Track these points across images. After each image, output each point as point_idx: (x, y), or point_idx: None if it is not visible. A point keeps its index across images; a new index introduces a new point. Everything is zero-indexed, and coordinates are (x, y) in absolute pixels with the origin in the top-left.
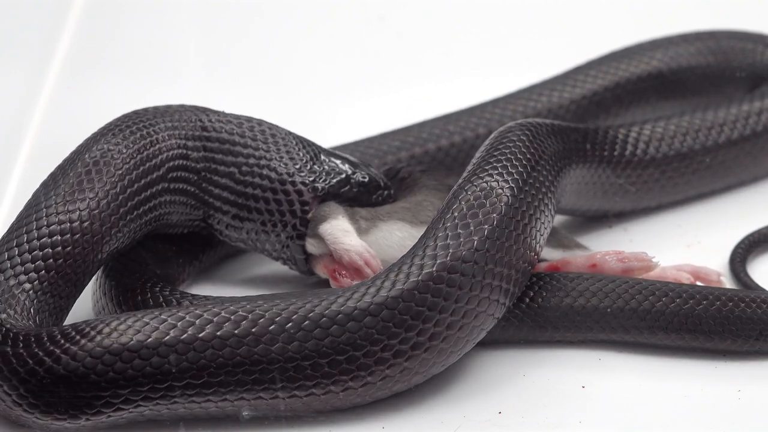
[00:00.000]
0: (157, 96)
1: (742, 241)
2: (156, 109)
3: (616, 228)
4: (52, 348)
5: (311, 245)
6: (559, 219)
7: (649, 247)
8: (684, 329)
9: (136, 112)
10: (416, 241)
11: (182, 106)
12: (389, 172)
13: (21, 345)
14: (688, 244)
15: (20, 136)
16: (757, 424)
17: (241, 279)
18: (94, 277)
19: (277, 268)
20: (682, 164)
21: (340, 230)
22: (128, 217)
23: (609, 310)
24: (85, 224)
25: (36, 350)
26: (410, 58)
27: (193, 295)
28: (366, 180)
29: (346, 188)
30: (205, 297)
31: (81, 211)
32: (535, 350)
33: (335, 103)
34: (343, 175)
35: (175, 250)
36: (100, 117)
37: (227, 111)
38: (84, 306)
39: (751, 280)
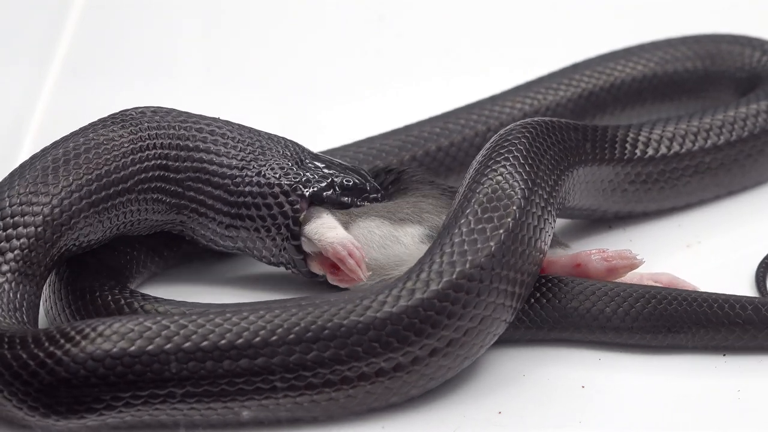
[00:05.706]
0: (157, 96)
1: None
2: (145, 110)
3: (615, 228)
4: (36, 351)
5: (306, 244)
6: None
7: (649, 247)
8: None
9: (124, 111)
10: (397, 242)
11: (171, 110)
12: (376, 171)
13: (6, 346)
14: (687, 243)
15: (20, 135)
16: (757, 424)
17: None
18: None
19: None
20: (680, 165)
21: (324, 227)
22: (99, 207)
23: (605, 312)
24: (55, 211)
25: (20, 352)
26: (410, 58)
27: (148, 297)
28: (350, 184)
29: (330, 192)
30: (155, 299)
31: (53, 196)
32: (535, 350)
33: (335, 103)
34: (327, 180)
35: (134, 248)
36: (100, 117)
37: (227, 111)
38: None
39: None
